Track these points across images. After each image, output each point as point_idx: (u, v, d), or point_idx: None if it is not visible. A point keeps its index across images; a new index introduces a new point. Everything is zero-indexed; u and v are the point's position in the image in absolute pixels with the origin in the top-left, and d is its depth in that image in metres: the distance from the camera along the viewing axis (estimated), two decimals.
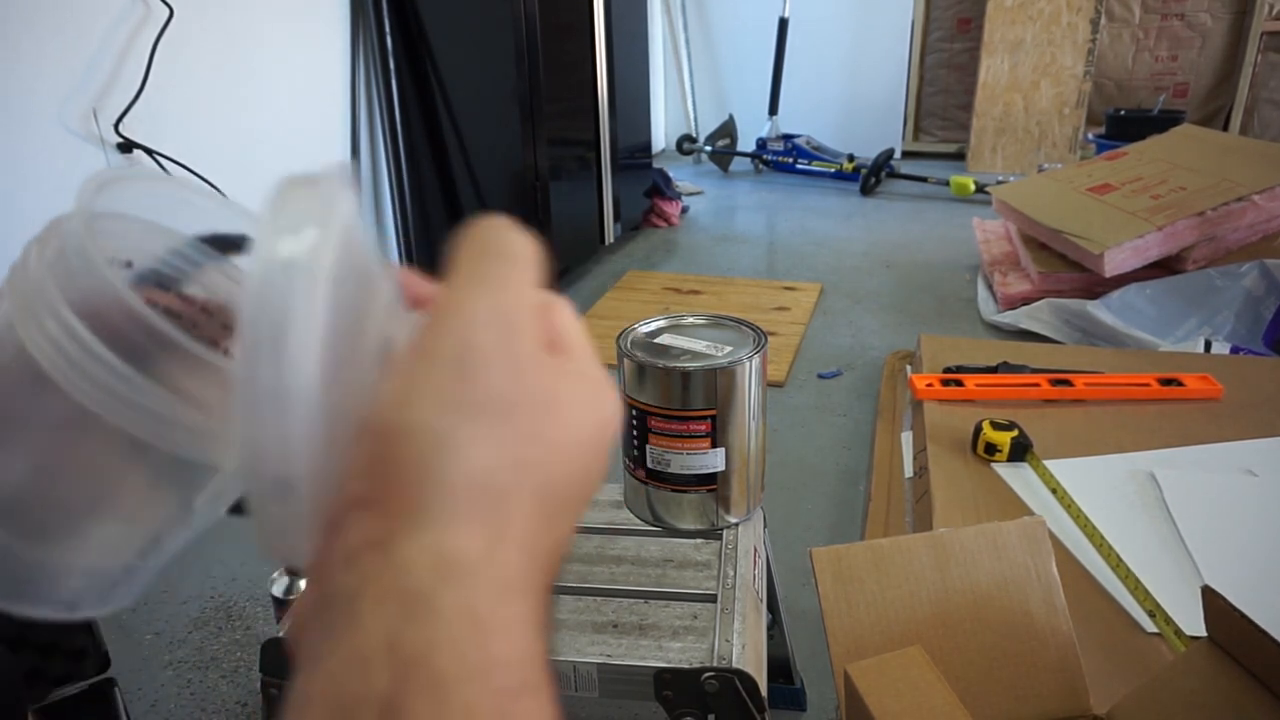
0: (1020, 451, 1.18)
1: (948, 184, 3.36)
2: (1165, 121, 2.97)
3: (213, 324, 0.28)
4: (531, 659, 0.20)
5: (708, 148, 4.04)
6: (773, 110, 3.97)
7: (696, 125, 4.31)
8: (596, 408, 0.23)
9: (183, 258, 0.27)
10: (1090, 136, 3.57)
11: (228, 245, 0.28)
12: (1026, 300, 2.15)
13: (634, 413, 0.73)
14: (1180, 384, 1.36)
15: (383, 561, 0.19)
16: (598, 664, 0.63)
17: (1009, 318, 2.11)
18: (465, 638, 0.18)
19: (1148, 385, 1.36)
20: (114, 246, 0.25)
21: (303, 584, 1.01)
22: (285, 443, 0.19)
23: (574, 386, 0.23)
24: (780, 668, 1.02)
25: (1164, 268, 2.07)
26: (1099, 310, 1.92)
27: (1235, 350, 1.70)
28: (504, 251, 0.24)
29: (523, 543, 0.20)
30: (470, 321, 0.21)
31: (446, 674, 0.18)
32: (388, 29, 2.22)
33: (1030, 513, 1.05)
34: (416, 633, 0.18)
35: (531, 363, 0.22)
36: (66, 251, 0.22)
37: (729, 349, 0.73)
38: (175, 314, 0.27)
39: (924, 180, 3.46)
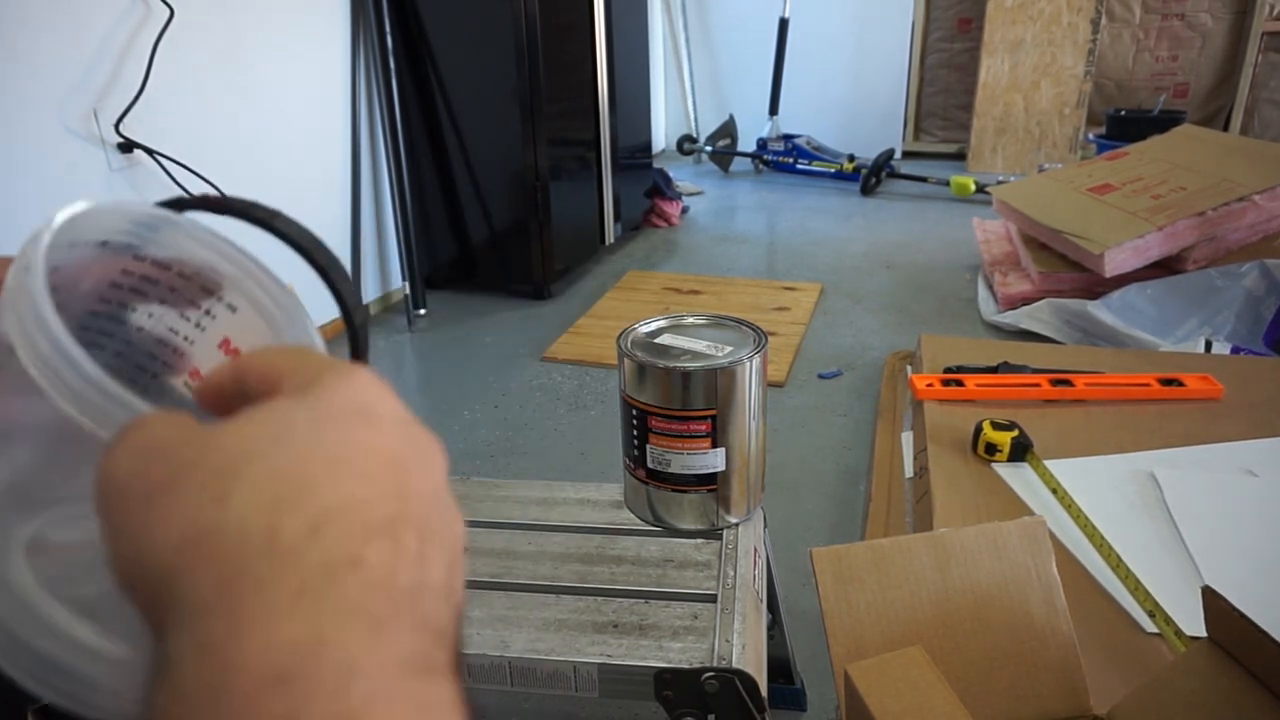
0: (1020, 451, 1.18)
1: (948, 184, 3.36)
2: (1165, 121, 2.97)
3: (192, 287, 0.30)
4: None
5: (708, 148, 4.04)
6: (773, 110, 3.97)
7: (697, 125, 4.31)
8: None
9: (147, 226, 0.28)
10: (1090, 136, 3.57)
11: (189, 206, 0.30)
12: (1027, 300, 2.15)
13: (634, 413, 0.73)
14: (1181, 384, 1.36)
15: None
16: (598, 664, 0.63)
17: (1009, 318, 2.11)
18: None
19: (1148, 385, 1.36)
20: (88, 227, 0.26)
21: None
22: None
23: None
24: (780, 668, 1.02)
25: (1164, 268, 2.07)
26: (1099, 310, 1.92)
27: (1236, 350, 1.70)
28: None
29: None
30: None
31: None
32: (388, 29, 2.22)
33: (1030, 513, 1.05)
34: None
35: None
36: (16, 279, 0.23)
37: (729, 349, 0.73)
38: (152, 280, 0.29)
39: (924, 180, 3.46)
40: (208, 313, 0.30)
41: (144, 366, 0.30)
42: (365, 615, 0.19)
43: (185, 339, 0.31)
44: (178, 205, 0.29)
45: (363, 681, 0.18)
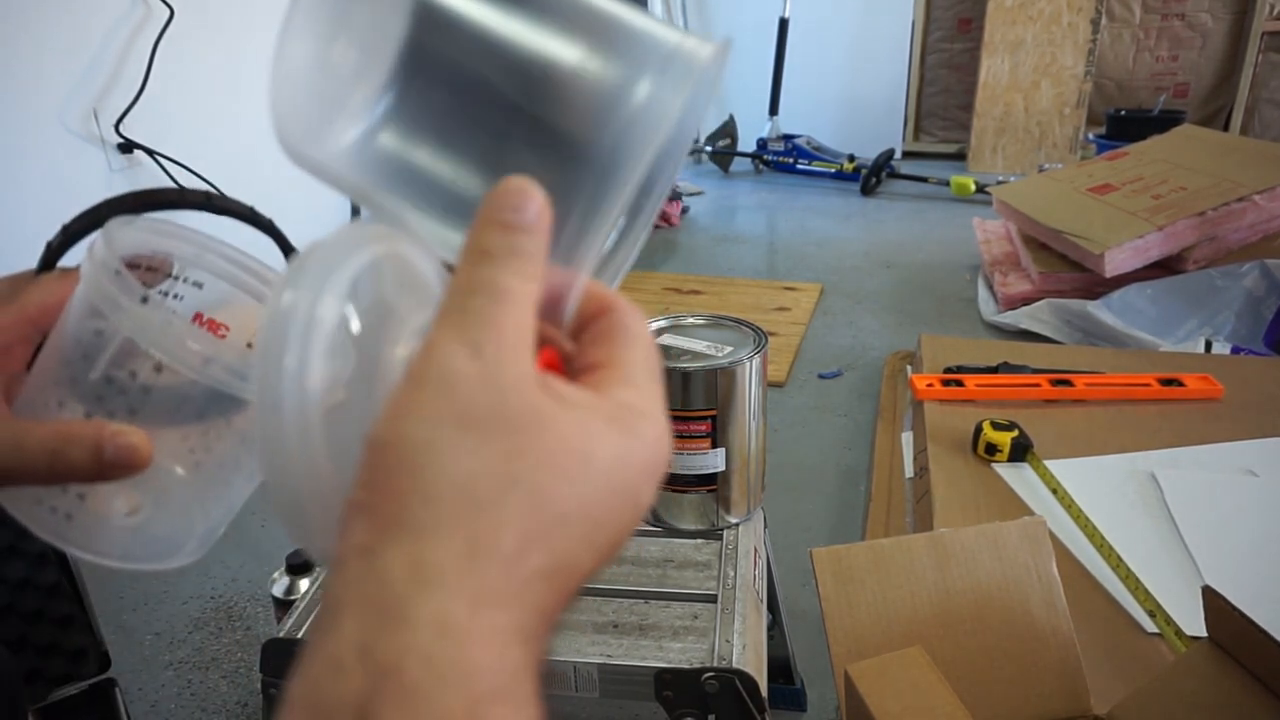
0: (1020, 452, 1.18)
1: (948, 184, 3.36)
2: (1166, 121, 2.96)
3: (158, 276, 0.34)
4: (509, 668, 0.20)
5: (708, 148, 4.04)
6: (773, 110, 3.97)
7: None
8: (618, 444, 0.23)
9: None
10: (1091, 136, 3.57)
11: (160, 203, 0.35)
12: (1027, 300, 2.15)
13: None
14: (1181, 384, 1.36)
15: (365, 568, 0.20)
16: (598, 664, 0.63)
17: (1009, 318, 2.11)
18: (437, 645, 0.19)
19: (1148, 385, 1.36)
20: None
21: (303, 585, 1.01)
22: (282, 453, 0.22)
23: (580, 416, 0.23)
24: (780, 668, 1.02)
25: (1164, 268, 2.06)
26: (1099, 310, 1.92)
27: (1236, 350, 1.70)
28: (491, 281, 0.23)
29: (505, 555, 0.20)
30: (448, 353, 0.22)
31: (417, 682, 0.18)
32: None
33: (1030, 513, 1.05)
34: (389, 640, 0.19)
35: (515, 389, 0.22)
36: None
37: (729, 349, 0.73)
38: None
39: (924, 180, 3.46)
40: (175, 296, 0.34)
41: None
42: (507, 696, 0.20)
43: (176, 297, 0.34)
44: (129, 204, 0.33)
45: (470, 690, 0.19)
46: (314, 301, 0.23)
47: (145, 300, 0.30)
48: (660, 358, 0.26)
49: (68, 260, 0.34)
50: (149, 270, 0.33)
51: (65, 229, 0.34)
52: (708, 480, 0.74)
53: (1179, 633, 0.86)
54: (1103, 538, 1.00)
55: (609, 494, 0.23)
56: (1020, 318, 2.08)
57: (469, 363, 0.22)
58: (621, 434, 0.23)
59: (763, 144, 3.91)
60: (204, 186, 1.75)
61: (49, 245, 0.34)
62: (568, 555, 0.22)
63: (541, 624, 0.21)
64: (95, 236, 0.31)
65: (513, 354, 0.22)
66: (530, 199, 0.23)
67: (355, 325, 0.25)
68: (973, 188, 3.30)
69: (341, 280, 0.24)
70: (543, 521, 0.21)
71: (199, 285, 0.34)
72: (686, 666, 0.62)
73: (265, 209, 0.38)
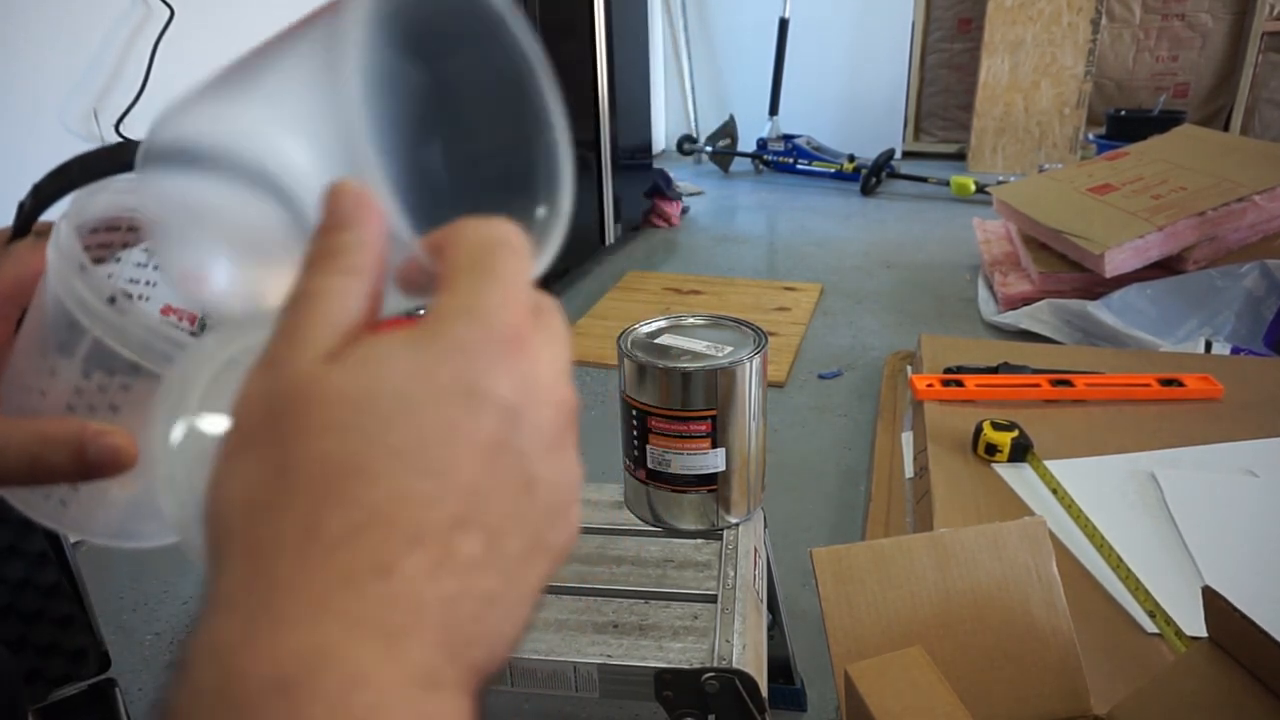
0: (1021, 452, 1.18)
1: (948, 184, 3.36)
2: (1166, 122, 2.96)
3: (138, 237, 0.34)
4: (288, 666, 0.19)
5: (708, 148, 4.04)
6: (773, 110, 3.97)
7: (697, 125, 4.31)
8: (407, 364, 0.22)
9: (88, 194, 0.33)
10: (1091, 137, 3.57)
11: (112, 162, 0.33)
12: (1027, 300, 2.15)
13: (634, 413, 0.73)
14: (1181, 384, 1.36)
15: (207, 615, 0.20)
16: (598, 664, 0.63)
17: (1009, 318, 2.11)
18: (207, 673, 0.19)
19: (1148, 385, 1.36)
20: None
21: None
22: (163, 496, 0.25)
23: (360, 363, 0.22)
24: (780, 668, 1.02)
25: (1165, 268, 2.06)
26: (1099, 310, 1.92)
27: (1236, 351, 1.70)
28: (301, 290, 0.23)
29: (297, 549, 0.20)
30: (248, 380, 0.23)
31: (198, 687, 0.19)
32: None
33: (1030, 513, 1.05)
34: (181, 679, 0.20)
35: (290, 381, 0.22)
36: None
37: (729, 349, 0.73)
38: (105, 245, 0.33)
39: (924, 180, 3.46)
40: (148, 283, 0.33)
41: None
42: (381, 627, 0.19)
43: (147, 284, 0.34)
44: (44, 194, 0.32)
45: (365, 693, 0.18)
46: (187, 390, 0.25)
47: (113, 301, 0.29)
48: (513, 248, 0.24)
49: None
50: (130, 230, 0.32)
51: (36, 190, 0.32)
52: (708, 480, 0.74)
53: (1179, 633, 0.85)
54: (1103, 538, 1.00)
55: (415, 415, 0.21)
56: (1020, 318, 2.08)
57: (260, 383, 0.22)
58: (414, 350, 0.22)
59: (763, 144, 3.91)
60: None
61: (20, 207, 0.32)
62: (398, 495, 0.20)
63: (432, 568, 0.20)
64: (62, 213, 0.30)
65: (300, 349, 0.22)
66: (341, 197, 0.23)
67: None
68: (973, 188, 3.30)
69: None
70: (337, 490, 0.20)
71: None
72: (686, 666, 0.62)
73: None
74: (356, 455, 0.20)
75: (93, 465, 0.29)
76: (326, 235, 0.23)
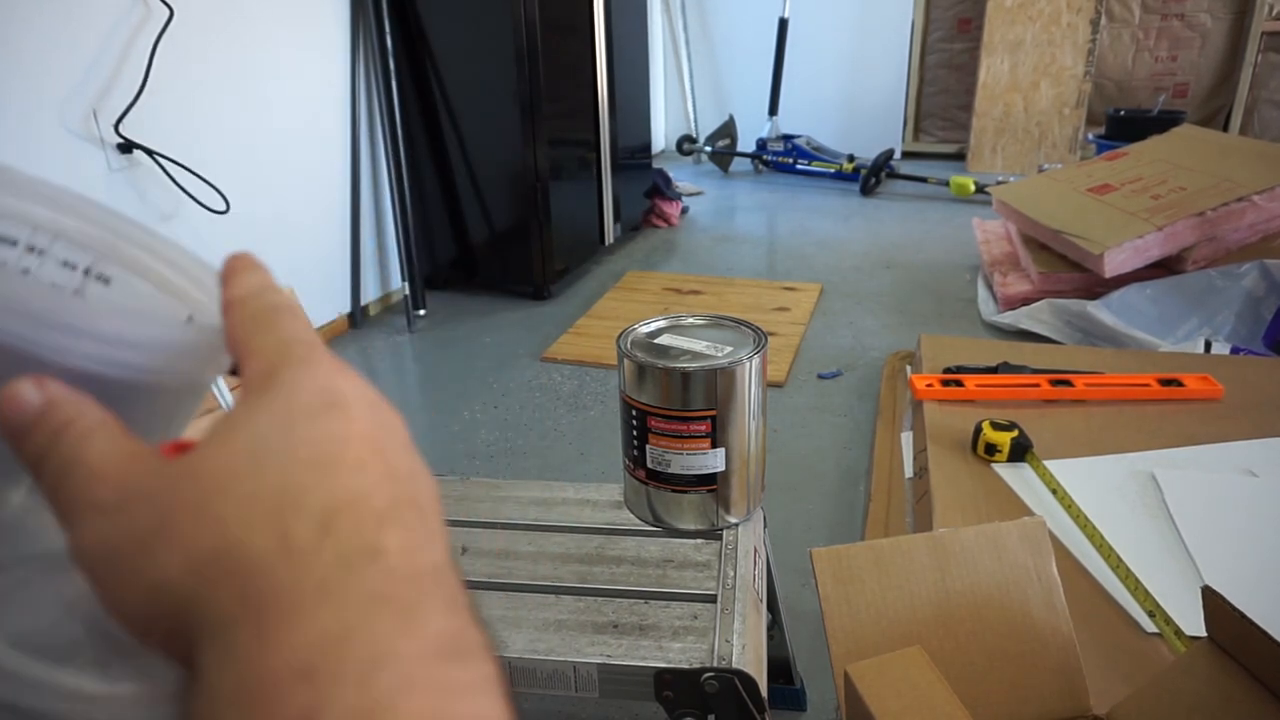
0: (1020, 452, 1.18)
1: (948, 184, 3.36)
2: (1165, 121, 2.97)
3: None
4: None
5: (708, 148, 4.04)
6: (773, 110, 3.98)
7: (696, 125, 4.31)
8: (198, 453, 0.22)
9: None
10: (1090, 137, 3.57)
11: None
12: (1026, 300, 2.15)
13: (634, 413, 0.73)
14: (1180, 384, 1.36)
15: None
16: (598, 664, 0.63)
17: (1009, 318, 2.11)
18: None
19: (1148, 385, 1.36)
20: None
21: None
22: None
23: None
24: (780, 668, 1.02)
25: (1164, 268, 2.07)
26: (1099, 310, 1.92)
27: (1235, 350, 1.70)
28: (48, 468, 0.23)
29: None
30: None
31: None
32: (388, 29, 2.22)
33: (1030, 513, 1.05)
34: None
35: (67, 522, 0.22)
36: None
37: (729, 349, 0.73)
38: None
39: (924, 180, 3.46)
40: (75, 292, 0.28)
41: None
42: (393, 603, 0.19)
43: None
44: None
45: (390, 670, 0.18)
46: None
47: None
48: (287, 308, 0.25)
49: None
50: None
51: None
52: (708, 480, 0.74)
53: (1179, 633, 0.86)
54: (1102, 538, 1.00)
55: (303, 433, 0.22)
56: (1020, 318, 2.08)
57: (122, 511, 0.21)
58: (260, 398, 0.22)
59: (762, 144, 3.91)
60: (204, 187, 1.75)
61: None
62: (344, 491, 0.21)
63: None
64: None
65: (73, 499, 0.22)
66: (17, 401, 0.22)
67: None
68: (972, 188, 3.30)
69: None
70: (289, 502, 0.20)
71: (105, 280, 0.28)
72: (686, 666, 0.62)
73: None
74: (280, 480, 0.20)
75: None
76: (27, 443, 0.22)
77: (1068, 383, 1.37)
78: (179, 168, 1.71)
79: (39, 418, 0.22)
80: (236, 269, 0.26)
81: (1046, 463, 1.16)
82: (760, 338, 0.75)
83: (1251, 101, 3.63)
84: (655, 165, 3.34)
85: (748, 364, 0.71)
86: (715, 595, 0.69)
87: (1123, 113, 3.44)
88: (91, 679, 0.23)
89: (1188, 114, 3.42)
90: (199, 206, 1.74)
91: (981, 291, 2.35)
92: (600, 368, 2.00)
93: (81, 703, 0.23)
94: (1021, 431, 1.19)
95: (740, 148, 4.01)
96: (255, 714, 0.18)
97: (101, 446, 0.22)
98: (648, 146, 3.20)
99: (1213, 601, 0.58)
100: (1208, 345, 1.73)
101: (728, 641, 0.64)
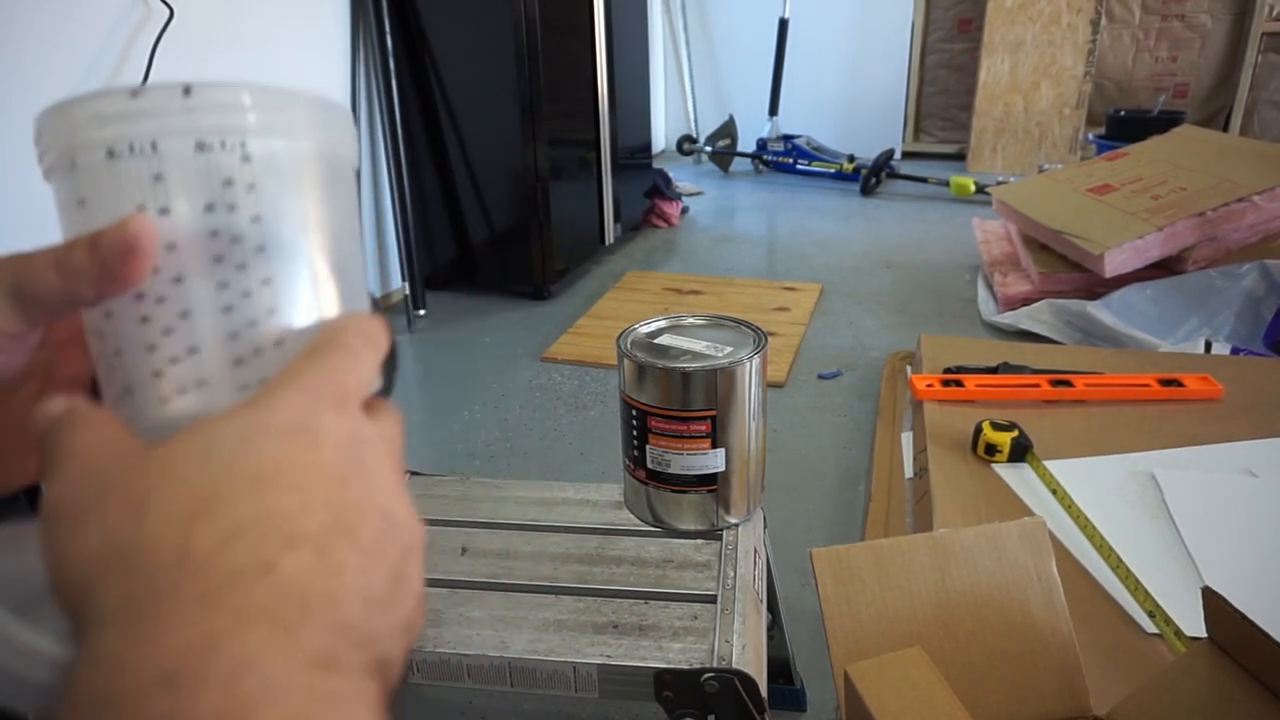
0: (1020, 452, 1.18)
1: (948, 184, 3.36)
2: (1165, 122, 2.97)
3: None
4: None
5: (708, 148, 4.04)
6: (773, 111, 3.98)
7: (697, 125, 4.31)
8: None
9: None
10: (1090, 137, 3.57)
11: None
12: (1027, 301, 2.15)
13: (634, 413, 0.73)
14: (1180, 384, 1.36)
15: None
16: (598, 665, 0.63)
17: (1009, 318, 2.11)
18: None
19: (1148, 386, 1.36)
20: None
21: None
22: None
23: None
24: (780, 668, 1.02)
25: (1164, 268, 2.07)
26: (1099, 311, 1.92)
27: (1235, 351, 1.70)
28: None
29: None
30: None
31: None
32: (388, 29, 2.22)
33: (1030, 513, 1.05)
34: None
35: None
36: None
37: (729, 349, 0.73)
38: None
39: (924, 181, 3.46)
40: None
41: None
42: (270, 616, 0.19)
43: None
44: None
45: (254, 676, 0.18)
46: None
47: None
48: (344, 347, 0.26)
49: None
50: None
51: None
52: (708, 480, 0.74)
53: (1179, 633, 0.86)
54: (1102, 538, 1.00)
55: (257, 449, 0.22)
56: (1020, 318, 2.08)
57: (82, 476, 0.23)
58: (242, 410, 0.23)
59: (762, 144, 3.91)
60: None
61: None
62: (265, 508, 0.21)
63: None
64: None
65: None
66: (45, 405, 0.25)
67: None
68: (973, 188, 3.30)
69: None
70: (202, 512, 0.21)
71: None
72: (686, 667, 0.62)
73: None
74: (212, 484, 0.21)
75: (105, 262, 0.25)
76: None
77: (1068, 383, 1.37)
78: None
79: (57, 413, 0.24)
80: (352, 317, 0.28)
81: (1046, 463, 1.16)
82: (760, 338, 0.75)
83: (1251, 102, 3.63)
84: (655, 165, 3.34)
85: (748, 364, 0.71)
86: (715, 595, 0.69)
87: (1123, 113, 3.44)
88: (43, 636, 0.24)
89: (1188, 114, 3.43)
90: None
91: (981, 291, 2.35)
92: (600, 368, 2.00)
93: (25, 656, 0.24)
94: (1021, 432, 1.19)
95: (740, 148, 4.01)
96: (114, 717, 0.18)
97: (90, 430, 0.23)
98: (648, 146, 3.20)
99: (1213, 602, 0.58)
100: (1208, 345, 1.73)
101: (728, 642, 0.64)
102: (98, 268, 0.25)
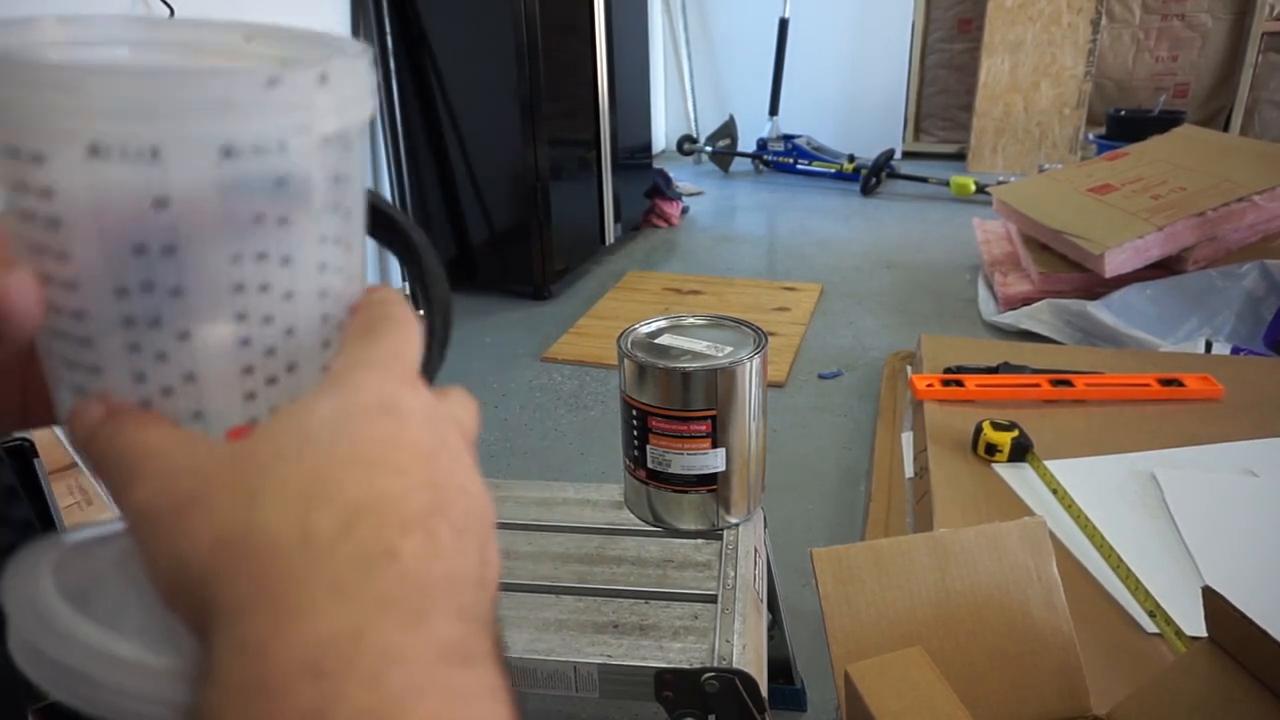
0: (1020, 452, 1.18)
1: (948, 184, 3.36)
2: (1165, 122, 2.96)
3: None
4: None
5: (708, 148, 4.04)
6: (773, 110, 3.97)
7: (697, 125, 4.31)
8: (268, 430, 0.23)
9: None
10: (1091, 137, 3.57)
11: None
12: (1027, 300, 2.15)
13: (634, 413, 0.73)
14: (1181, 384, 1.36)
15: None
16: (598, 664, 0.63)
17: (1009, 318, 2.11)
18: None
19: (1148, 385, 1.36)
20: None
21: None
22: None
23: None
24: (780, 668, 1.02)
25: (1165, 268, 2.07)
26: (1099, 310, 1.92)
27: (1236, 351, 1.70)
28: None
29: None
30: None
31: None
32: (388, 28, 2.22)
33: (1030, 513, 1.05)
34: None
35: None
36: None
37: (729, 349, 0.73)
38: None
39: (924, 180, 3.46)
40: None
41: None
42: (402, 606, 0.20)
43: None
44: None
45: (400, 672, 0.19)
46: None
47: None
48: (398, 321, 0.26)
49: None
50: None
51: None
52: (708, 480, 0.74)
53: (1179, 633, 0.86)
54: (1103, 538, 1.00)
55: (351, 432, 0.22)
56: (1020, 318, 2.08)
57: (172, 475, 0.22)
58: (325, 392, 0.23)
59: (763, 144, 3.91)
60: None
61: None
62: (374, 492, 0.21)
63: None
64: None
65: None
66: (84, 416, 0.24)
67: None
68: (973, 188, 3.30)
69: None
70: (317, 496, 0.21)
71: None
72: (686, 666, 0.62)
73: None
74: (317, 471, 0.21)
75: None
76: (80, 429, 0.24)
77: (1068, 383, 1.37)
78: None
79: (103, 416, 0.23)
80: (376, 289, 0.27)
81: (1047, 463, 1.16)
82: (760, 338, 0.75)
83: (1252, 102, 3.63)
84: (655, 165, 3.34)
85: (748, 364, 0.71)
86: (715, 595, 0.69)
87: (1123, 113, 3.44)
88: (131, 644, 0.23)
89: (1188, 114, 3.43)
90: None
91: (982, 291, 2.35)
92: (600, 368, 2.00)
93: (115, 667, 0.23)
94: (1022, 431, 1.19)
95: (740, 148, 4.01)
96: (263, 707, 0.18)
97: (150, 428, 0.23)
98: (648, 146, 3.20)
99: (1213, 602, 0.58)
100: (1208, 345, 1.73)
101: (728, 641, 0.64)
102: None
